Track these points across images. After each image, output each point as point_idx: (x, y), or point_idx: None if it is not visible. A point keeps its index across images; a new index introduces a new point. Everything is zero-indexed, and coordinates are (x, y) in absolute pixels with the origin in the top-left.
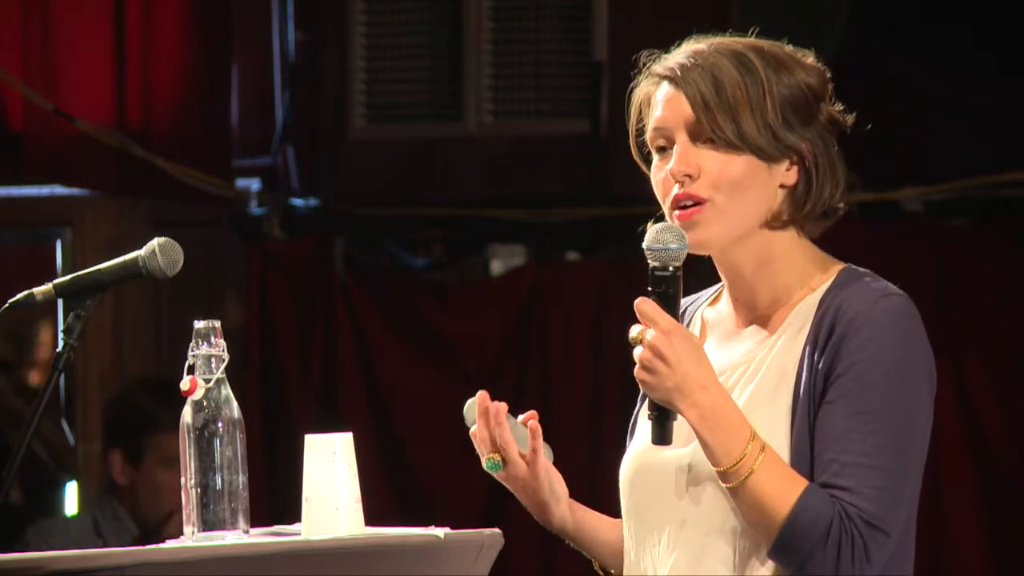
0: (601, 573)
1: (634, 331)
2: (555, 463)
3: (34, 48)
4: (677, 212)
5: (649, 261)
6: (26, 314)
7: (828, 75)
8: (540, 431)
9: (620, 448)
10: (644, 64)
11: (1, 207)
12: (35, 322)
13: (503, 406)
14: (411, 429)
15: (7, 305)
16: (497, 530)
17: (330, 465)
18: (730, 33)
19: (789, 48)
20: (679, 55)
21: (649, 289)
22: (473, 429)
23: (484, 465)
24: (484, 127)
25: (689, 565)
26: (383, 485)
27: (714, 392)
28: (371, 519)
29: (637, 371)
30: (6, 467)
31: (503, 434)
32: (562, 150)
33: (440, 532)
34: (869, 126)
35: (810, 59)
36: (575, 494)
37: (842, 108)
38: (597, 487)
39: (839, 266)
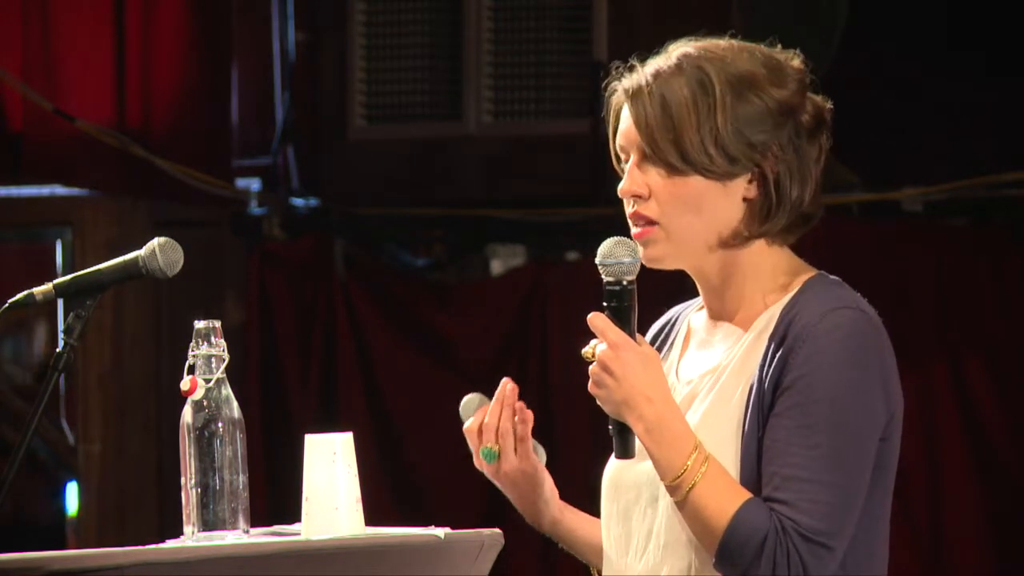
0: (596, 575)
1: (587, 347)
2: (555, 460)
3: (34, 48)
4: (633, 230)
5: (602, 275)
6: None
7: (807, 80)
8: (529, 423)
9: None
10: (620, 69)
11: (1, 207)
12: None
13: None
14: (411, 429)
15: (7, 305)
16: (497, 530)
17: (330, 465)
18: (729, 35)
19: (770, 54)
20: (647, 67)
21: (604, 304)
22: (468, 423)
23: (480, 453)
24: (484, 127)
25: None
26: (383, 485)
27: (660, 405)
28: (371, 519)
29: (590, 386)
30: (6, 467)
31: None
32: (562, 150)
33: (440, 532)
34: (869, 126)
35: (794, 62)
36: (575, 494)
37: (828, 106)
38: (597, 487)
39: (808, 275)
